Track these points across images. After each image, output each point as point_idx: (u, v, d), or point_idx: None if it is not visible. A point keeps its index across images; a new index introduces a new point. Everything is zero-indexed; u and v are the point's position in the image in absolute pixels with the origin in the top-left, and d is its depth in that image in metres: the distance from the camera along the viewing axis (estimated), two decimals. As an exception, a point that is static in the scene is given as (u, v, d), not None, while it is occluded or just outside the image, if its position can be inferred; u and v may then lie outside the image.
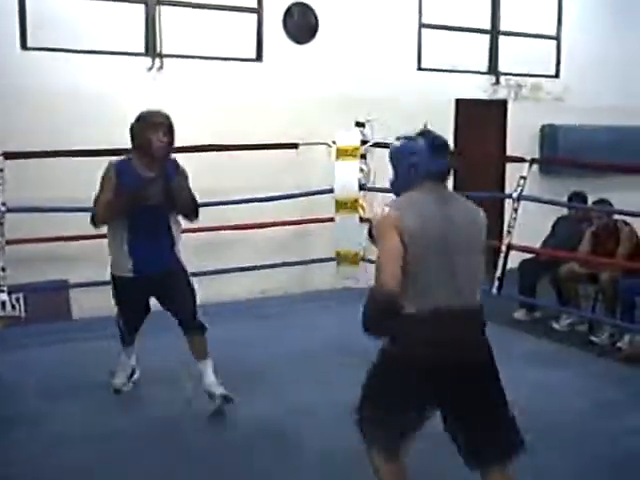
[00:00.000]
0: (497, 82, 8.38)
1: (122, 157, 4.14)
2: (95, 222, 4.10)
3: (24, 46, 5.95)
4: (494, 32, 8.31)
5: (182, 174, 4.16)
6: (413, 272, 2.68)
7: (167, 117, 4.06)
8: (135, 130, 4.04)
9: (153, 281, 4.13)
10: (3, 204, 5.34)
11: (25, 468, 3.69)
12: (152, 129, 3.97)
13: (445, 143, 2.89)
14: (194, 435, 4.02)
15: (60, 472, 3.65)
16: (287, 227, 6.87)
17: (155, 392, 4.56)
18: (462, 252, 2.76)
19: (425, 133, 2.90)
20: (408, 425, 2.81)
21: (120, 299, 4.28)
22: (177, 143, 6.02)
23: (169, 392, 4.51)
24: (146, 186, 3.95)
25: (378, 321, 2.70)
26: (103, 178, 4.07)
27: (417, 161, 2.81)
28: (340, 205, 6.77)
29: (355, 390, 2.87)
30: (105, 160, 5.73)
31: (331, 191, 6.81)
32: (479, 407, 2.79)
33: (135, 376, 4.60)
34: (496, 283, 5.79)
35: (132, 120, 4.07)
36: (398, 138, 2.93)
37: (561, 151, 8.38)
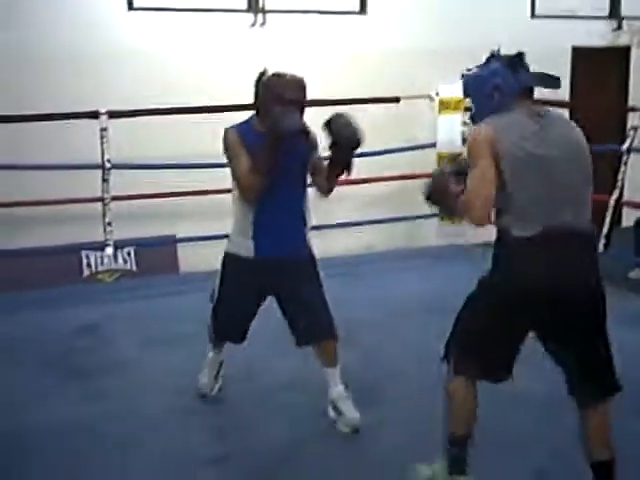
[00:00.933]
0: (619, 27, 7.86)
1: (239, 123, 3.51)
2: (247, 195, 3.37)
3: (130, 6, 6.08)
4: (616, -26, 7.80)
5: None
6: (511, 193, 2.58)
7: (301, 90, 3.38)
8: (261, 97, 3.38)
9: (278, 267, 3.45)
10: (108, 161, 5.51)
11: (115, 413, 3.84)
12: (281, 105, 3.28)
13: (521, 57, 2.76)
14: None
15: (149, 418, 3.79)
16: (391, 182, 6.77)
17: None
18: (563, 170, 2.62)
19: (495, 56, 2.79)
20: (507, 353, 2.76)
21: (229, 285, 3.54)
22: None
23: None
24: (283, 114, 3.24)
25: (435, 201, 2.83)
26: (227, 146, 3.43)
27: (499, 82, 2.70)
28: (443, 160, 6.59)
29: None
30: (209, 117, 5.99)
31: (434, 145, 6.65)
32: (583, 342, 2.70)
33: (222, 371, 3.99)
34: (602, 240, 5.50)
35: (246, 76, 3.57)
36: (468, 69, 2.83)
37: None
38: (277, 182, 3.34)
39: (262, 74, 3.41)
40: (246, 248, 3.45)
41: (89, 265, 6.18)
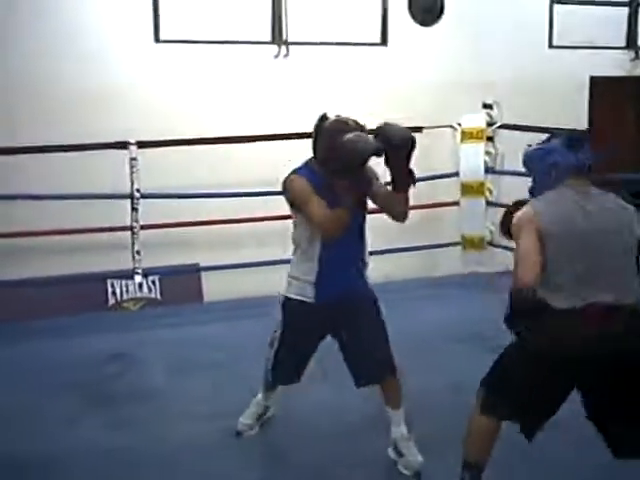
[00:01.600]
0: (637, 57, 7.94)
1: (297, 168, 3.45)
2: (334, 232, 3.27)
3: (157, 39, 6.20)
4: (634, 4, 7.88)
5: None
6: (552, 270, 2.72)
7: (362, 129, 3.36)
8: (323, 143, 3.33)
9: (338, 310, 3.40)
10: (137, 190, 5.59)
11: (150, 438, 3.87)
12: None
13: (581, 137, 2.91)
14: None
15: (184, 446, 3.80)
16: (413, 211, 6.79)
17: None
18: (604, 250, 2.75)
19: (555, 134, 2.96)
20: (545, 410, 2.87)
21: (289, 330, 3.49)
22: (302, 129, 6.21)
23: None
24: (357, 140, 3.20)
25: (521, 316, 2.75)
26: (297, 192, 3.33)
27: (556, 159, 2.84)
28: (466, 189, 6.66)
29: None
30: (238, 147, 6.08)
31: (456, 174, 6.70)
32: (621, 400, 2.79)
33: (268, 414, 3.95)
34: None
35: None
36: (529, 145, 3.01)
37: None
38: None
39: (323, 117, 3.40)
40: (309, 292, 3.41)
41: (114, 293, 6.24)
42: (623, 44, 7.92)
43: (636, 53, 7.94)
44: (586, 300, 2.70)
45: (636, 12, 7.89)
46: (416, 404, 4.03)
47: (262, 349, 5.06)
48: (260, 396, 3.88)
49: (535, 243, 2.71)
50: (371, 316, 3.47)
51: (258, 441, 3.85)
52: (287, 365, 3.57)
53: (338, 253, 3.33)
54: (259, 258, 6.23)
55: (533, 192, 2.95)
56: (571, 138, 2.88)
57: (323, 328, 3.48)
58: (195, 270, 6.46)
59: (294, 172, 3.40)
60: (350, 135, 3.20)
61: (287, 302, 3.48)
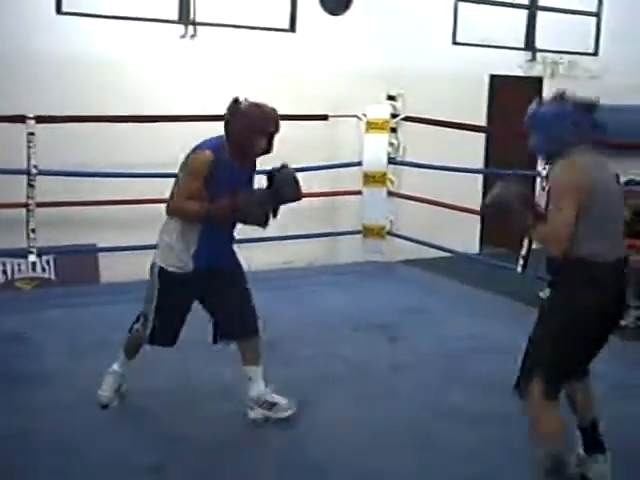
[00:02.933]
0: (533, 58, 8.26)
1: (214, 140, 3.53)
2: (171, 212, 3.58)
3: (59, 10, 5.99)
4: (532, 7, 8.18)
5: None
6: (594, 225, 2.88)
7: (278, 122, 3.54)
8: (239, 126, 3.46)
9: (210, 276, 3.61)
10: (35, 167, 5.41)
11: (49, 422, 3.77)
12: (260, 135, 3.47)
13: (596, 102, 3.01)
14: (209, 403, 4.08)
15: (83, 427, 3.73)
16: (315, 199, 6.87)
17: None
18: (619, 212, 3.05)
19: (562, 96, 3.02)
20: (586, 362, 3.11)
21: (165, 298, 3.64)
22: (206, 112, 6.16)
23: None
24: (245, 199, 3.48)
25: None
26: (194, 166, 3.48)
27: (579, 119, 2.93)
28: (368, 178, 6.76)
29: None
30: (135, 127, 5.97)
31: (360, 164, 6.80)
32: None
33: (123, 387, 4.00)
34: (520, 261, 5.75)
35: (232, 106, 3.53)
36: (534, 105, 3.08)
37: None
38: None
39: (236, 102, 3.50)
40: (186, 264, 3.58)
41: (5, 272, 6.02)
42: (522, 45, 8.22)
43: (533, 54, 8.25)
44: (616, 255, 2.96)
45: (534, 15, 8.19)
46: (316, 391, 4.10)
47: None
48: (117, 366, 3.92)
49: (577, 208, 2.82)
50: (238, 282, 3.72)
51: (152, 422, 3.82)
52: (167, 328, 3.69)
53: (216, 230, 3.55)
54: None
55: (542, 149, 3.06)
56: (589, 102, 2.98)
57: (196, 293, 3.68)
58: (92, 250, 6.31)
59: (208, 147, 3.48)
60: (284, 175, 3.55)
61: (163, 271, 3.61)
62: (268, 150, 3.56)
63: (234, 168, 3.50)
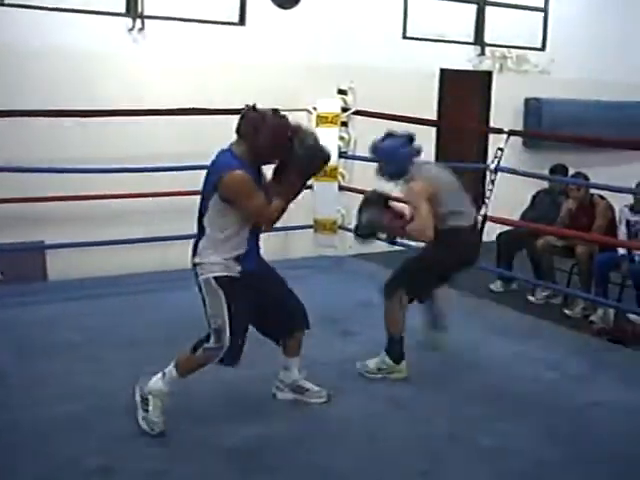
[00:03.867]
0: (482, 53, 8.35)
1: (228, 159, 3.54)
2: (272, 224, 3.63)
3: (1, 2, 5.84)
4: (481, 2, 8.26)
5: None
6: (449, 207, 4.15)
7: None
8: (268, 140, 3.49)
9: (257, 278, 3.67)
10: (-22, 162, 5.28)
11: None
12: (287, 145, 3.54)
13: (413, 135, 4.30)
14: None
15: (33, 429, 3.65)
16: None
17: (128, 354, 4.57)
18: (462, 192, 4.30)
19: (390, 135, 4.28)
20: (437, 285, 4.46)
21: (234, 302, 3.59)
22: (155, 107, 6.08)
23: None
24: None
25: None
26: (242, 187, 3.47)
27: (412, 149, 4.25)
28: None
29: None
30: (85, 122, 5.86)
31: (311, 158, 6.77)
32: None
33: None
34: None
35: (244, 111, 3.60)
36: (381, 140, 4.28)
37: (545, 125, 8.36)
38: None
39: (254, 108, 3.57)
40: (235, 269, 3.59)
41: (-56, 271, 5.86)
42: (471, 40, 8.29)
43: (482, 49, 8.33)
44: (471, 222, 4.32)
45: (483, 10, 8.27)
46: (267, 388, 4.09)
47: (112, 329, 4.99)
48: (163, 385, 3.67)
49: (429, 205, 4.04)
50: (279, 279, 3.88)
51: (101, 424, 3.74)
52: (238, 341, 3.62)
53: (255, 234, 3.68)
54: (107, 237, 6.14)
55: (394, 174, 4.26)
56: (411, 135, 4.27)
57: (252, 294, 3.64)
58: (39, 248, 6.18)
59: (233, 166, 3.47)
60: (312, 137, 3.63)
61: (220, 279, 3.57)
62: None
63: (254, 174, 3.55)
